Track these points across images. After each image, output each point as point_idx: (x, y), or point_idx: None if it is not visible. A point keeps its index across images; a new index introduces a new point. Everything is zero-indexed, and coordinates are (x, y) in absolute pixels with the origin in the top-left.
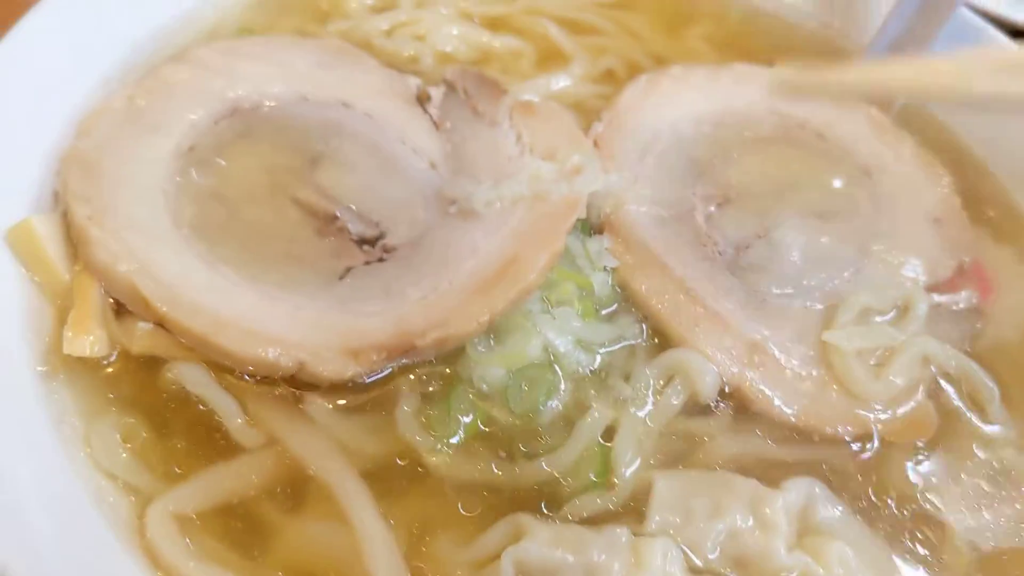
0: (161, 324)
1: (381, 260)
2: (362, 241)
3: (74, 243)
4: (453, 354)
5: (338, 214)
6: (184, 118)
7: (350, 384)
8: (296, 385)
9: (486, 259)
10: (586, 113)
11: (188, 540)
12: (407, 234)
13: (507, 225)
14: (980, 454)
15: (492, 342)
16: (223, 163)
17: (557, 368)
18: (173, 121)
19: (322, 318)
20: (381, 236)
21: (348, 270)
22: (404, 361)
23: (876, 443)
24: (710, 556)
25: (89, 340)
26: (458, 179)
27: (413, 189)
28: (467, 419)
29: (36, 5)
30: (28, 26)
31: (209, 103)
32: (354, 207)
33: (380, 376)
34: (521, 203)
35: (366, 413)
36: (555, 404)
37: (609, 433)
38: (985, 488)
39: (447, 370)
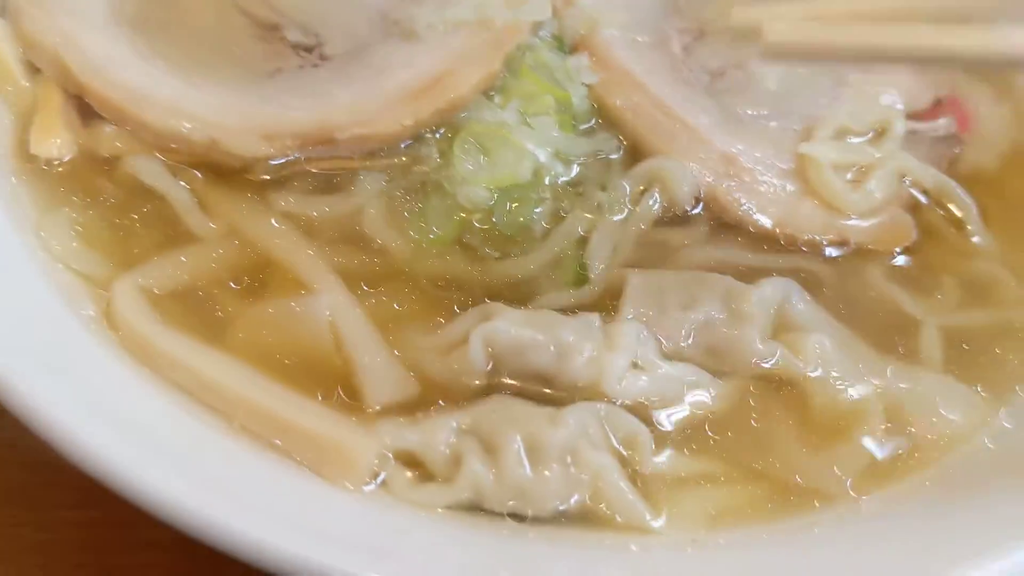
0: (83, 95)
1: (315, 66)
2: (298, 47)
3: (11, 19)
4: (423, 157)
5: (279, 23)
6: None
7: (309, 176)
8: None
9: (421, 72)
10: None
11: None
12: (345, 46)
13: (447, 46)
14: (958, 264)
15: (482, 159)
16: None
17: (543, 184)
18: None
19: (244, 106)
20: (318, 45)
21: (279, 71)
22: (321, 152)
23: (853, 250)
24: (683, 344)
25: (56, 143)
26: (402, 2)
27: (357, 8)
28: (441, 227)
29: None
30: None
31: None
32: (296, 19)
33: (339, 172)
34: (464, 28)
35: (333, 210)
36: (539, 210)
37: (585, 241)
38: (962, 295)
39: (413, 169)
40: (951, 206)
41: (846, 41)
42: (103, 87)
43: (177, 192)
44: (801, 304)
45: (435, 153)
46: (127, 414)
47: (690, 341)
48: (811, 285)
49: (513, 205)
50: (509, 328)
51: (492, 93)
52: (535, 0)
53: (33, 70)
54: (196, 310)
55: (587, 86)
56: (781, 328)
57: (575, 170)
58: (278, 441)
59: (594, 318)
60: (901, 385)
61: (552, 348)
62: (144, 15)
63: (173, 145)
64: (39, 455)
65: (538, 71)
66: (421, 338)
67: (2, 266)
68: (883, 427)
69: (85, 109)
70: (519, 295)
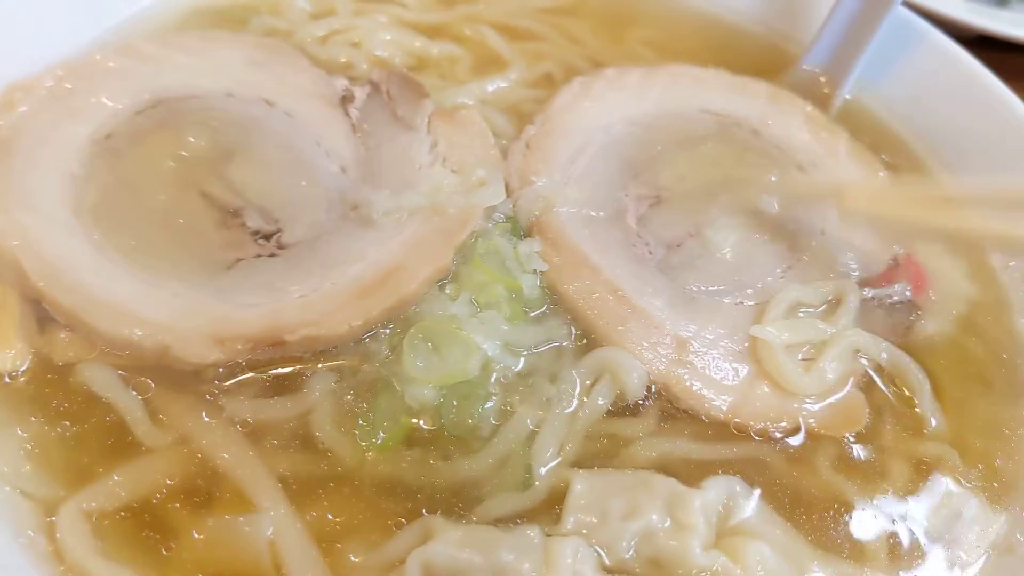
0: (39, 300)
1: (272, 255)
2: (259, 235)
3: None
4: (374, 353)
5: (241, 208)
6: (106, 105)
7: (260, 378)
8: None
9: (372, 266)
10: (521, 117)
11: (99, 541)
12: (304, 234)
13: (400, 235)
14: (908, 445)
15: (431, 355)
16: (137, 152)
17: (490, 380)
18: (95, 107)
19: (198, 305)
20: (278, 232)
21: (237, 261)
22: (271, 354)
23: (804, 437)
24: (625, 556)
25: (11, 354)
26: (361, 186)
27: (319, 191)
28: (387, 431)
29: None
30: None
31: (134, 92)
32: (258, 203)
33: (290, 371)
34: (419, 214)
35: (282, 414)
36: (487, 407)
37: (534, 437)
38: (911, 479)
39: (363, 367)
40: (903, 383)
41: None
42: (58, 293)
43: (128, 402)
44: (745, 505)
45: (385, 348)
46: None
47: (632, 553)
48: (760, 476)
49: (460, 404)
50: (446, 550)
51: (444, 282)
52: (489, 185)
53: None
54: (142, 529)
55: (539, 272)
56: (726, 531)
57: (525, 360)
58: None
59: (535, 533)
60: None
61: (489, 572)
62: (106, 202)
63: (125, 351)
64: None
65: (489, 259)
66: (361, 556)
67: None
68: None
69: (42, 313)
70: (464, 500)
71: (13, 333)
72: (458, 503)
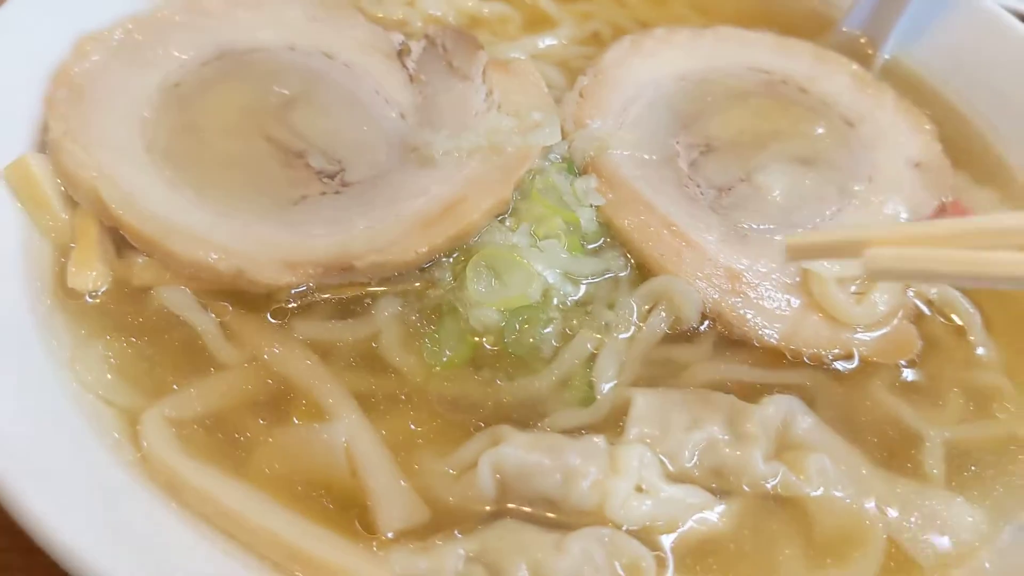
0: (117, 227)
1: (337, 192)
2: (322, 174)
3: (51, 156)
4: (438, 280)
5: (304, 150)
6: (174, 56)
7: (329, 302)
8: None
9: (435, 200)
10: (571, 73)
11: (182, 445)
12: (366, 173)
13: (461, 173)
14: (962, 375)
15: (493, 281)
16: (204, 99)
17: (551, 305)
18: (163, 58)
19: (269, 235)
20: (341, 171)
21: (303, 198)
22: (339, 279)
23: (857, 363)
24: (687, 465)
25: (92, 275)
26: (420, 129)
27: (379, 135)
28: (453, 350)
29: None
30: None
31: (200, 45)
32: (321, 146)
33: (357, 296)
34: (477, 154)
35: (351, 335)
36: (548, 330)
37: (594, 360)
38: (966, 407)
39: (428, 292)
40: (954, 316)
41: (946, 269)
42: (135, 219)
43: (204, 322)
44: (804, 421)
45: (449, 276)
46: (155, 543)
47: (694, 462)
48: (815, 399)
49: (523, 326)
50: (516, 452)
51: (504, 216)
52: (546, 126)
53: (71, 203)
54: (221, 437)
55: (595, 207)
56: (785, 446)
57: (584, 289)
58: (298, 573)
59: (599, 440)
60: (903, 504)
61: (558, 473)
62: (176, 145)
63: (201, 275)
64: None
65: (547, 194)
66: (433, 462)
67: (37, 398)
68: (884, 548)
69: (119, 240)
70: (529, 415)
71: (93, 256)
72: (524, 417)
